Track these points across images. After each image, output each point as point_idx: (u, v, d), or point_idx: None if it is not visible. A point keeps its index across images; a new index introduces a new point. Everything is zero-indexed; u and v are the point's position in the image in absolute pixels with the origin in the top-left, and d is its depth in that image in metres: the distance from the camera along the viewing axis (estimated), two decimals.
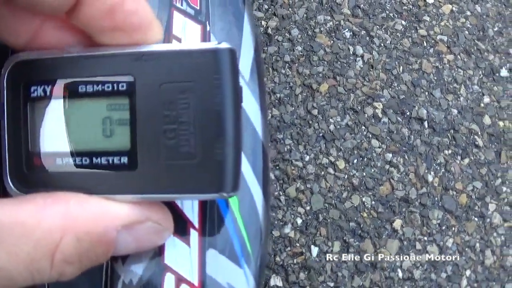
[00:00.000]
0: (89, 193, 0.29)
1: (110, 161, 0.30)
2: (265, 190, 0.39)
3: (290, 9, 1.30)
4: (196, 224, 0.35)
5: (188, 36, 0.40)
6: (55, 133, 0.31)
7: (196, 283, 0.34)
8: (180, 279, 0.34)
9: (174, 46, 0.32)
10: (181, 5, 0.41)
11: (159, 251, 0.34)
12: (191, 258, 0.34)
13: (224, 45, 0.30)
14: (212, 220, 0.36)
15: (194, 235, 0.35)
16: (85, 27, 0.30)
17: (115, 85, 0.30)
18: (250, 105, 0.40)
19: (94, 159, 0.30)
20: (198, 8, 0.42)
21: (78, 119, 0.31)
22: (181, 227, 0.35)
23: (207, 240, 0.35)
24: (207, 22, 0.41)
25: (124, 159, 0.30)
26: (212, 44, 0.30)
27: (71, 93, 0.30)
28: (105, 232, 0.28)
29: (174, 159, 0.29)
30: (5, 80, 0.31)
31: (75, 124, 0.31)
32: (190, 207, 0.35)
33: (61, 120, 0.31)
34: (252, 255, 0.37)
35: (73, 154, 0.30)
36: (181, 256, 0.34)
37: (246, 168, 0.38)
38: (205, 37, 0.40)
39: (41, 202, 0.28)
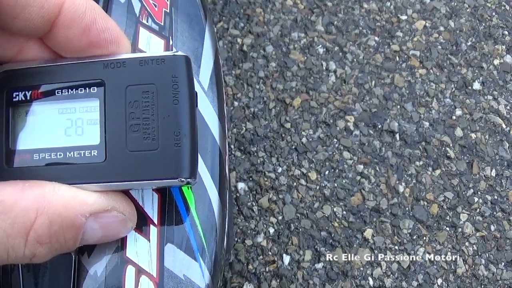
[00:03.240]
0: (65, 183, 0.34)
1: (82, 155, 0.35)
2: (221, 191, 0.44)
3: (265, 26, 1.39)
4: (156, 221, 0.40)
5: (153, 50, 0.46)
6: (33, 132, 0.36)
7: (154, 274, 0.39)
8: (140, 271, 0.39)
9: (137, 54, 0.38)
10: (147, 21, 0.47)
11: (121, 245, 0.39)
12: (151, 252, 0.39)
13: (180, 53, 0.37)
14: (170, 217, 0.41)
15: (153, 230, 0.40)
16: (62, 47, 0.36)
17: (87, 88, 0.36)
18: (209, 113, 0.46)
19: (67, 153, 0.35)
20: (162, 24, 0.48)
21: (54, 119, 0.36)
22: (141, 223, 0.40)
23: (166, 235, 0.40)
24: (170, 37, 0.47)
25: (94, 152, 0.35)
26: (170, 52, 0.37)
27: (48, 97, 0.36)
28: (75, 217, 0.32)
29: (138, 150, 0.35)
30: None
31: (51, 124, 0.36)
32: (150, 205, 0.40)
33: (39, 121, 0.36)
34: (208, 250, 0.41)
35: (49, 150, 0.35)
36: (141, 250, 0.39)
37: (203, 171, 0.43)
38: (168, 51, 0.46)
39: (19, 186, 0.31)
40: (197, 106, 0.37)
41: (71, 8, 0.34)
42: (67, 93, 0.36)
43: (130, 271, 0.38)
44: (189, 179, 0.35)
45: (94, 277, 0.38)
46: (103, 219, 0.34)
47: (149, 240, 0.39)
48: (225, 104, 0.49)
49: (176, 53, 0.37)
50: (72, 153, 0.35)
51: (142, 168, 0.35)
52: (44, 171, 0.34)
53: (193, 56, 0.47)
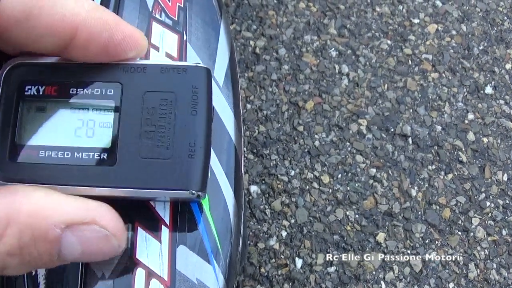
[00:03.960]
0: (70, 185, 0.33)
1: (90, 157, 0.34)
2: (237, 192, 0.43)
3: (278, 29, 1.40)
4: (168, 221, 0.39)
5: (166, 45, 0.45)
6: (41, 128, 0.35)
7: (166, 278, 0.37)
8: (150, 274, 0.37)
9: (159, 61, 0.38)
10: (160, 16, 0.46)
11: (131, 247, 0.38)
12: (162, 254, 0.38)
13: (202, 64, 0.36)
14: (183, 218, 0.39)
15: (165, 232, 0.38)
16: (78, 60, 0.35)
17: (103, 90, 0.35)
18: (224, 110, 0.45)
19: (76, 154, 0.34)
20: (176, 19, 0.47)
21: (65, 118, 0.35)
22: (152, 224, 0.38)
23: (178, 237, 0.38)
24: (184, 32, 0.46)
25: (104, 155, 0.34)
26: (192, 63, 0.36)
27: (62, 94, 0.35)
28: (48, 227, 0.29)
29: (150, 157, 0.34)
30: (2, 79, 0.35)
31: (61, 123, 0.35)
32: (162, 205, 0.39)
33: (49, 118, 0.35)
34: (222, 252, 0.40)
35: (56, 148, 0.34)
36: (152, 252, 0.38)
37: (218, 170, 0.42)
38: (181, 46, 0.45)
39: None
40: (213, 120, 0.37)
41: (85, 32, 0.33)
42: (82, 92, 0.35)
43: (140, 274, 0.37)
44: (199, 193, 0.35)
45: (102, 280, 0.37)
46: (81, 233, 0.30)
47: (160, 242, 0.38)
48: (240, 101, 0.48)
49: (198, 64, 0.37)
50: (80, 153, 0.34)
51: (152, 176, 0.34)
52: (49, 170, 0.34)
53: (207, 52, 0.47)
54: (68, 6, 0.32)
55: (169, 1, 0.47)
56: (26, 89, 0.35)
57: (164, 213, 0.39)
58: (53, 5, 0.31)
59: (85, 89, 0.35)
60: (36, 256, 0.30)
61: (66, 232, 0.30)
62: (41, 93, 0.35)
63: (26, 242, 0.29)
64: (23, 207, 0.29)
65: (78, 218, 0.30)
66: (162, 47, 0.45)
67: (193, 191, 0.34)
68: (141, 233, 0.38)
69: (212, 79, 0.41)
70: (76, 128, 0.35)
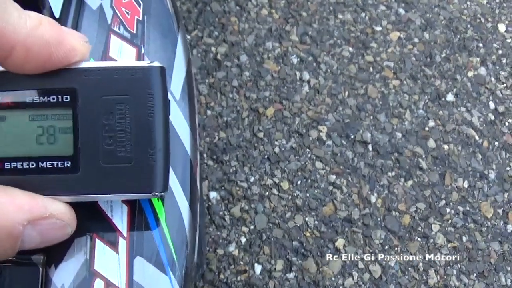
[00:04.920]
0: (38, 193, 0.34)
1: (55, 165, 0.34)
2: (192, 204, 0.44)
3: (239, 35, 1.42)
4: (125, 233, 0.39)
5: (124, 58, 0.45)
6: (4, 139, 0.35)
7: None
8: (108, 285, 0.38)
9: (113, 63, 0.37)
10: (118, 29, 0.47)
11: (90, 258, 0.38)
12: (120, 265, 0.38)
13: (156, 63, 0.36)
14: (140, 230, 0.40)
15: (122, 243, 0.39)
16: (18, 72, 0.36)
17: (59, 97, 0.35)
18: (180, 123, 0.45)
19: (40, 163, 0.34)
20: (134, 32, 0.47)
21: (25, 127, 0.35)
22: (110, 236, 0.39)
23: (135, 248, 0.39)
24: (142, 45, 0.46)
25: (68, 163, 0.34)
26: (145, 63, 0.36)
27: (19, 103, 0.35)
28: (12, 226, 0.31)
29: (112, 163, 0.34)
30: None
31: (22, 132, 0.35)
32: (120, 217, 0.40)
33: (9, 128, 0.35)
34: (178, 263, 0.41)
35: (21, 159, 0.34)
36: (110, 263, 0.38)
37: (174, 183, 0.43)
38: (139, 59, 0.46)
39: None
40: (169, 114, 0.37)
41: (22, 50, 0.33)
42: (38, 100, 0.35)
43: (98, 284, 0.38)
44: (162, 193, 0.36)
45: None
46: (41, 226, 0.33)
47: (118, 253, 0.39)
48: (196, 114, 0.49)
49: (151, 64, 0.36)
50: (44, 163, 0.35)
51: (116, 181, 0.35)
52: (16, 181, 0.34)
53: (165, 65, 0.45)
54: (10, 22, 0.32)
55: (128, 14, 0.48)
56: None
57: (122, 225, 0.40)
58: None
59: (41, 97, 0.35)
60: (2, 252, 0.32)
61: (27, 227, 0.31)
62: None
63: None
64: None
65: (38, 214, 0.32)
66: (121, 60, 0.46)
67: (156, 193, 0.35)
68: (99, 244, 0.39)
69: (169, 93, 0.43)
70: (37, 136, 0.35)
